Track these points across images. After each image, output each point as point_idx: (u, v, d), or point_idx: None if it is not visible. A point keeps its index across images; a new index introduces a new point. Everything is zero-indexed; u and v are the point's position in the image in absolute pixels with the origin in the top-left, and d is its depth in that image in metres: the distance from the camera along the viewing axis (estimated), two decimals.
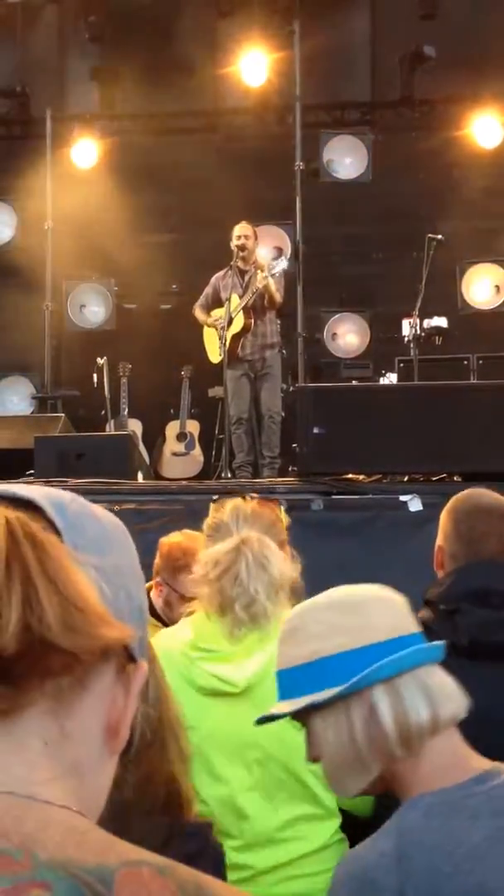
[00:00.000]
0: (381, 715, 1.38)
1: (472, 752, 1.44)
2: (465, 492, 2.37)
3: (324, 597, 1.50)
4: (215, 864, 1.62)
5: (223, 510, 2.39)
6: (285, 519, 2.52)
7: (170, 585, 3.37)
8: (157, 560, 3.41)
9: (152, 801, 1.47)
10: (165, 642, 2.32)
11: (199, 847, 1.53)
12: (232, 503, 2.41)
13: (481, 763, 1.43)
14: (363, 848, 1.39)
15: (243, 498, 2.45)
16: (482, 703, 1.99)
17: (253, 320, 7.37)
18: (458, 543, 2.22)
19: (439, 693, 1.41)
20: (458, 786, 1.38)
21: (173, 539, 3.43)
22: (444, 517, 2.30)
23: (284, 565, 2.23)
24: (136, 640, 0.76)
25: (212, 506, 2.45)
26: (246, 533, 2.27)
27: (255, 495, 2.52)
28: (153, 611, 3.41)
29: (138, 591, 0.81)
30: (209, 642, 2.22)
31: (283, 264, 7.58)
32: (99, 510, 0.82)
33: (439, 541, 2.28)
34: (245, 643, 2.19)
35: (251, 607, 2.17)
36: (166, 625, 3.23)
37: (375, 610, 1.44)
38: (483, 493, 2.34)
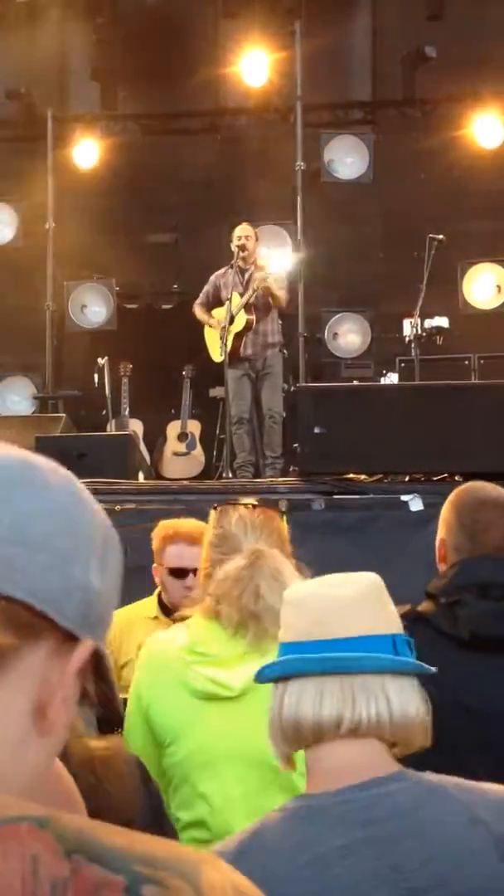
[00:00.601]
0: (278, 706, 1.43)
1: (384, 759, 1.39)
2: (467, 484, 2.37)
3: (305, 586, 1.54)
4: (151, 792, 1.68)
5: (228, 519, 2.38)
6: (285, 527, 2.52)
7: (160, 563, 3.37)
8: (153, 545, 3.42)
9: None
10: (160, 646, 2.32)
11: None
12: (237, 513, 2.40)
13: (382, 769, 1.37)
14: (225, 840, 1.42)
15: (246, 507, 2.45)
16: (482, 695, 2.00)
17: (255, 318, 7.37)
18: (461, 535, 2.23)
19: (336, 698, 1.39)
20: (338, 790, 1.35)
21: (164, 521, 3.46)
22: (446, 509, 2.30)
23: (294, 577, 2.24)
24: (74, 620, 0.75)
25: (212, 514, 2.45)
26: (257, 546, 2.27)
27: (254, 503, 2.51)
28: (163, 606, 3.41)
29: (84, 570, 0.79)
30: (205, 646, 2.22)
31: (281, 263, 7.59)
32: (49, 478, 0.82)
33: (441, 534, 2.28)
34: (241, 647, 2.20)
35: (277, 621, 2.18)
36: (169, 612, 3.24)
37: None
38: (485, 486, 2.35)
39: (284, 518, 2.55)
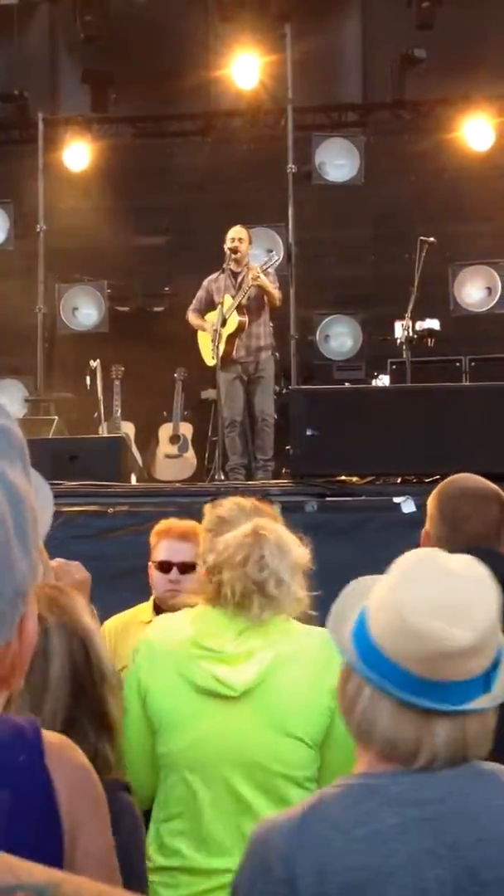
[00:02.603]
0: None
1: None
2: (451, 477, 2.39)
3: None
4: (134, 820, 1.73)
5: (221, 507, 2.39)
6: (280, 520, 2.53)
7: (151, 560, 3.38)
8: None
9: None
10: (163, 634, 2.30)
11: (122, 807, 1.62)
12: (231, 500, 2.42)
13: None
14: (283, 812, 1.47)
15: (240, 496, 2.46)
16: None
17: (247, 319, 7.38)
18: (442, 526, 2.25)
19: None
20: (390, 772, 1.40)
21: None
22: (430, 502, 2.33)
23: (300, 549, 2.25)
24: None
25: (207, 507, 2.45)
26: (258, 520, 2.27)
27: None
28: (158, 611, 3.41)
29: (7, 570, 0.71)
30: (212, 641, 2.20)
31: (274, 261, 7.61)
32: None
33: (426, 526, 2.30)
34: (248, 645, 2.18)
35: (280, 587, 2.18)
36: (160, 611, 3.24)
37: None
38: (468, 478, 2.37)
39: (278, 510, 2.56)
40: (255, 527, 2.22)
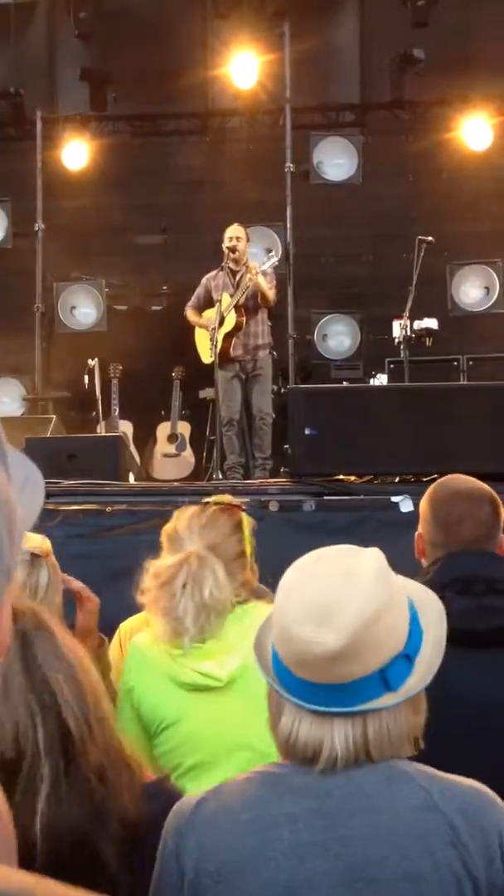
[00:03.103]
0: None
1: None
2: (444, 478, 2.38)
3: None
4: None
5: (181, 519, 2.42)
6: (250, 523, 2.52)
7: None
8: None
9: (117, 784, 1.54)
10: (145, 640, 2.35)
11: (162, 805, 1.59)
12: (190, 511, 2.44)
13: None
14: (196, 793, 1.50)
15: (203, 506, 2.47)
16: (463, 691, 2.02)
17: (245, 319, 7.38)
18: (435, 529, 2.24)
19: None
20: (297, 766, 1.40)
21: None
22: (423, 504, 2.32)
23: (221, 588, 2.27)
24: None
25: (175, 512, 2.48)
26: (192, 548, 2.31)
27: (210, 501, 2.53)
28: None
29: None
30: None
31: (273, 260, 7.61)
32: None
33: (419, 528, 2.29)
34: (226, 637, 2.24)
35: (178, 622, 2.25)
36: None
37: None
38: (460, 479, 2.36)
39: (245, 516, 2.55)
40: (182, 557, 2.29)
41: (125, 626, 3.38)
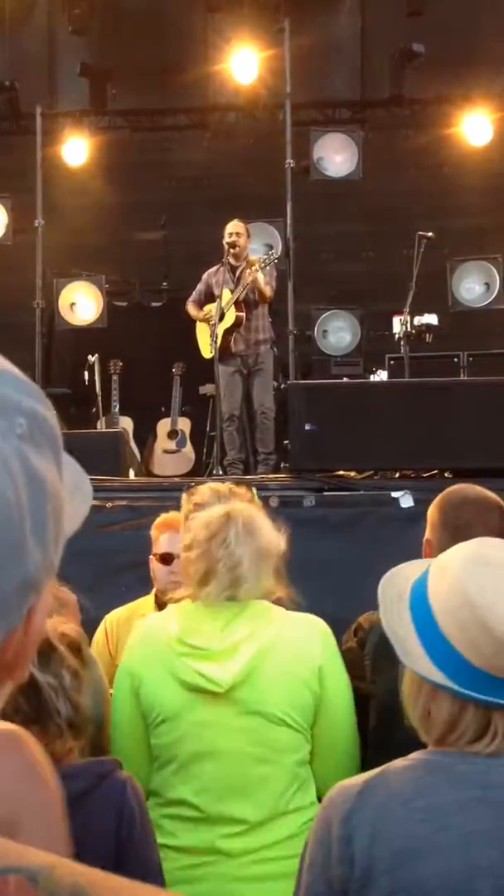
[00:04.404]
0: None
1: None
2: (453, 486, 2.41)
3: None
4: (109, 802, 1.73)
5: (197, 494, 2.41)
6: (258, 504, 2.54)
7: (153, 553, 3.40)
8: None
9: None
10: (152, 630, 2.32)
11: (86, 786, 1.63)
12: (207, 486, 2.44)
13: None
14: (355, 777, 1.52)
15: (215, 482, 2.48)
16: None
17: (245, 314, 7.38)
18: (445, 534, 2.25)
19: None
20: (459, 752, 1.43)
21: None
22: (431, 510, 2.35)
23: (273, 535, 2.25)
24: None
25: (184, 496, 2.47)
26: (235, 502, 2.28)
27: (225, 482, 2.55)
28: (160, 605, 3.42)
29: (17, 568, 0.65)
30: (196, 638, 2.22)
31: (273, 257, 7.60)
32: None
33: (427, 534, 2.32)
34: (233, 640, 2.20)
35: (235, 570, 2.19)
36: (162, 604, 3.26)
37: None
38: (469, 487, 2.39)
39: (254, 492, 2.56)
40: (227, 509, 2.24)
41: (111, 617, 3.39)
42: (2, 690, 0.69)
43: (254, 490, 2.56)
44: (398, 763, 1.48)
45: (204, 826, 2.21)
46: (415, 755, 1.49)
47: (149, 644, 2.28)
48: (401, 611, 1.48)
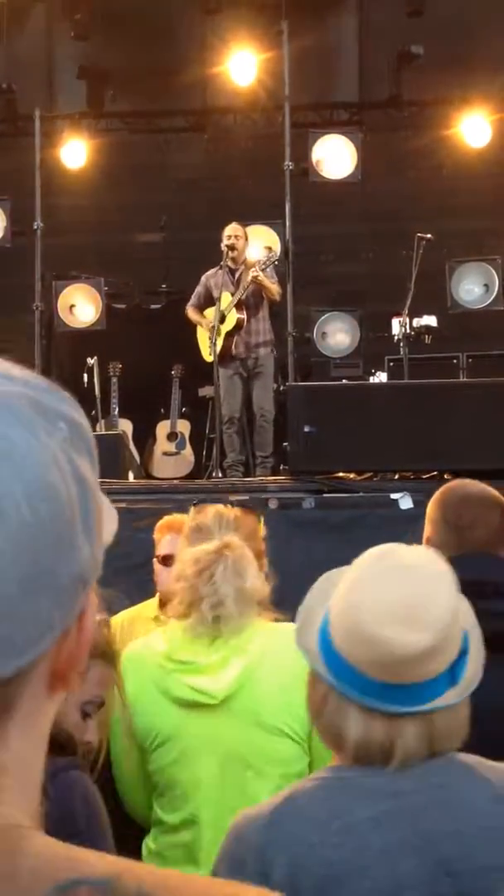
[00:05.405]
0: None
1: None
2: (452, 482, 2.38)
3: None
4: (52, 802, 1.66)
5: (205, 514, 2.40)
6: (263, 530, 2.53)
7: (156, 555, 3.40)
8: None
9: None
10: (138, 653, 2.30)
11: (70, 783, 1.61)
12: (214, 508, 2.42)
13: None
14: (257, 806, 1.45)
15: (224, 505, 2.47)
16: (474, 695, 2.01)
17: (245, 317, 7.37)
18: (446, 532, 2.23)
19: None
20: (366, 766, 1.39)
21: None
22: (431, 508, 2.31)
23: (259, 580, 2.25)
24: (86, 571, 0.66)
25: (192, 509, 2.46)
26: (230, 538, 2.28)
27: (234, 501, 2.53)
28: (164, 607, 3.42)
29: (69, 563, 0.66)
30: (184, 654, 2.21)
31: (273, 260, 7.61)
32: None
33: (427, 532, 2.29)
34: (221, 653, 2.19)
35: (217, 608, 2.19)
36: (165, 606, 3.26)
37: None
38: (469, 483, 2.36)
39: (262, 520, 2.56)
40: (221, 545, 2.24)
41: (114, 620, 3.37)
42: (55, 701, 0.67)
43: (261, 519, 2.55)
44: (305, 785, 1.43)
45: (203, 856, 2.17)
46: (319, 773, 1.44)
47: (136, 666, 2.25)
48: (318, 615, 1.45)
